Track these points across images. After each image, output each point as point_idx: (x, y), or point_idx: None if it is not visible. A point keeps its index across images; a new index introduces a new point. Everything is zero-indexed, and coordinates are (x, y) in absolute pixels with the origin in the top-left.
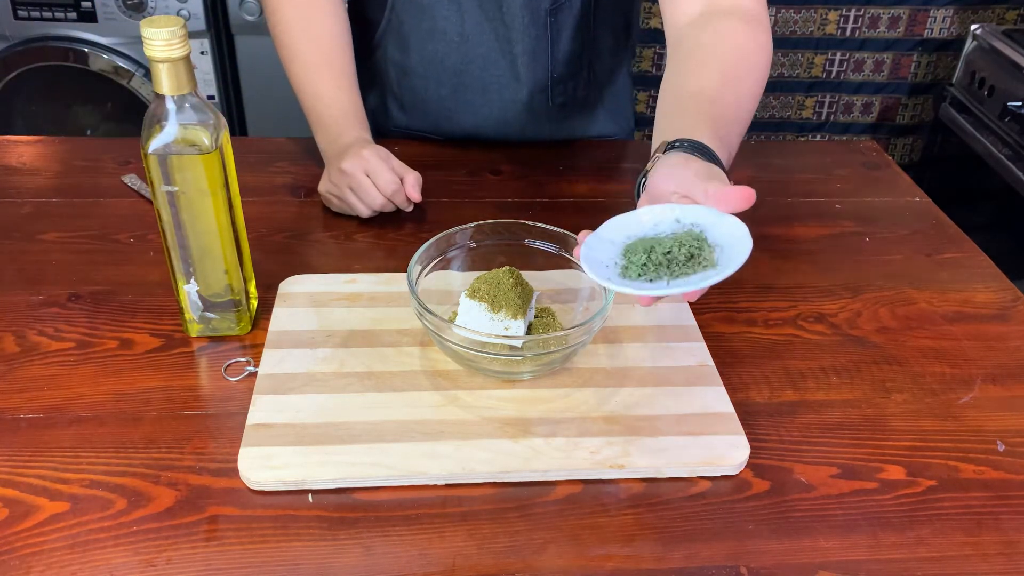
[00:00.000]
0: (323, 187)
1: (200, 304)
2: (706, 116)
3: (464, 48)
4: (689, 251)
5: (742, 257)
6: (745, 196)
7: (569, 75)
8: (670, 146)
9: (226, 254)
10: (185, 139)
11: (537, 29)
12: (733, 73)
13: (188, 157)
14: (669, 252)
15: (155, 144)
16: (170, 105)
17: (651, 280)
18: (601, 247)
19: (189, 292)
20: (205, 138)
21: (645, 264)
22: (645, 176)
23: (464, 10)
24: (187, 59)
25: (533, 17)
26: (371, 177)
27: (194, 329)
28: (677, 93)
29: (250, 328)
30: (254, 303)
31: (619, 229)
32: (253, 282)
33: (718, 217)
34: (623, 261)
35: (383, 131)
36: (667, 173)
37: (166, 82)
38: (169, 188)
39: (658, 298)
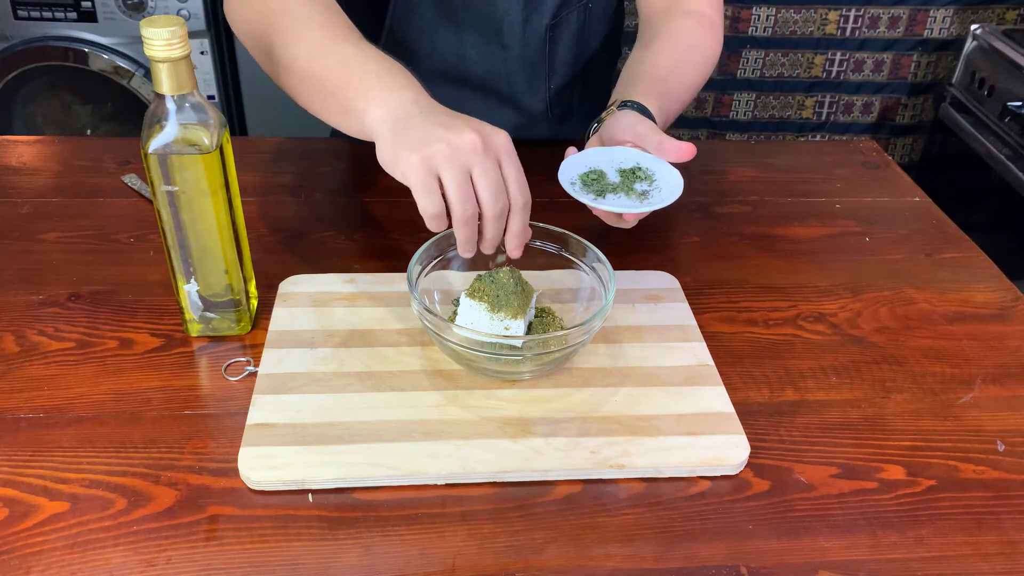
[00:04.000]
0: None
1: (200, 304)
2: (655, 90)
3: (462, 67)
4: (628, 186)
5: (672, 198)
6: (687, 150)
7: (565, 86)
8: (623, 104)
9: (226, 254)
10: (185, 139)
11: (537, 43)
12: (682, 64)
13: (188, 157)
14: (614, 182)
15: (155, 144)
16: (170, 105)
17: (597, 195)
18: (578, 161)
19: (189, 292)
20: (205, 138)
21: (596, 181)
22: (599, 123)
23: (462, 31)
24: (187, 59)
25: (532, 33)
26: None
27: (194, 329)
28: (636, 68)
29: (250, 328)
30: (254, 303)
31: (595, 155)
32: (253, 282)
33: (666, 168)
34: (583, 176)
35: None
36: (623, 125)
37: (166, 82)
38: (169, 188)
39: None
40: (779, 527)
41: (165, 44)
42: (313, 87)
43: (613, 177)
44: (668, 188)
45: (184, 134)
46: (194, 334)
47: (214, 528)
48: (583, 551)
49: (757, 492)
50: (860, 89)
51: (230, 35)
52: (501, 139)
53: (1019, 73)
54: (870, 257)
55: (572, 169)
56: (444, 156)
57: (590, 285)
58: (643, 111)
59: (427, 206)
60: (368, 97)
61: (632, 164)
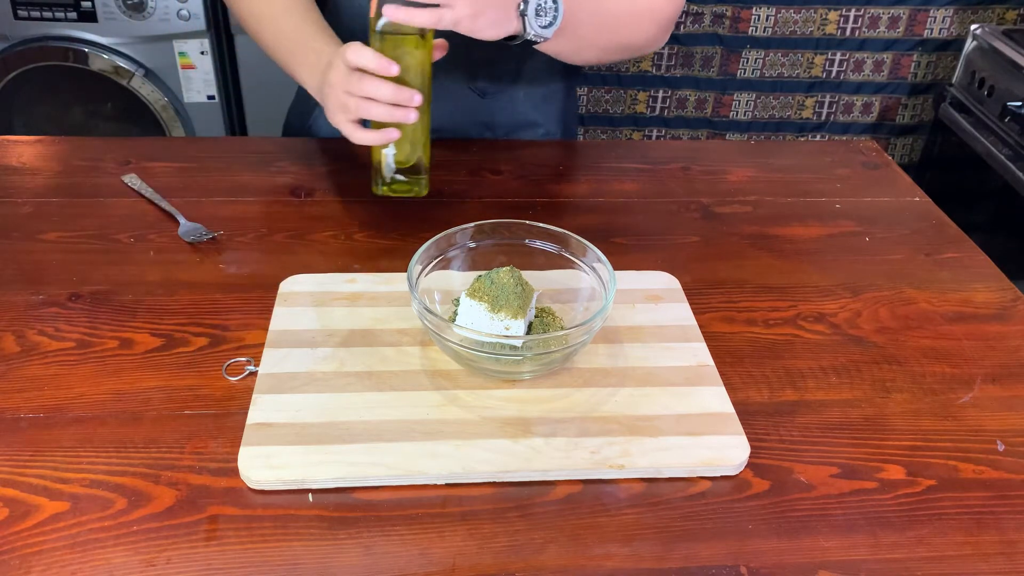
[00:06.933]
0: (335, 120)
1: (393, 167)
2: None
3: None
4: None
5: None
6: None
7: (497, 60)
8: None
9: (422, 127)
10: (400, 28)
11: None
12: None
13: (408, 37)
14: None
15: (382, 23)
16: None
17: None
18: None
19: (387, 155)
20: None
21: None
22: None
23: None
24: None
25: None
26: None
27: (383, 190)
28: None
29: (426, 192)
30: (426, 176)
31: None
32: (429, 153)
33: None
34: None
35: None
36: None
37: None
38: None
39: None
40: (779, 527)
41: None
42: (272, 53)
43: None
44: None
45: (398, 27)
46: (380, 193)
47: (214, 528)
48: (583, 551)
49: (757, 492)
50: (860, 89)
51: (230, 35)
52: (342, 53)
53: (1019, 73)
54: (870, 257)
55: None
56: (335, 103)
57: (590, 285)
58: None
59: (349, 136)
60: (301, 73)
61: None
